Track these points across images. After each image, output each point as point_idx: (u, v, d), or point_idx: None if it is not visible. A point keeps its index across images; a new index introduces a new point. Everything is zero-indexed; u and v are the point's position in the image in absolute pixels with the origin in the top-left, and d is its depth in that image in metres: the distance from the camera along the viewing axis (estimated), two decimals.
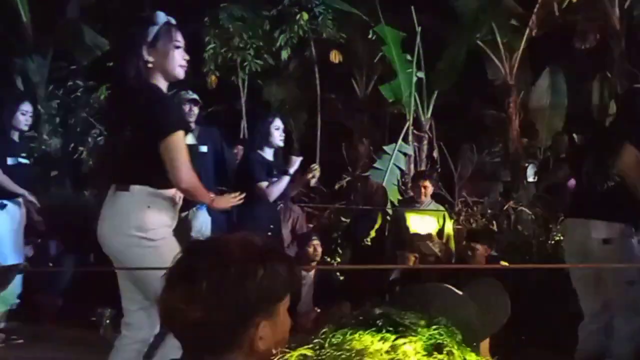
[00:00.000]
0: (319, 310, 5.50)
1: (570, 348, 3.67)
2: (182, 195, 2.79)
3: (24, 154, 4.99)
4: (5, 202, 4.84)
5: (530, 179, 9.01)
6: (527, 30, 8.53)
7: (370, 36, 8.66)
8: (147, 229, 2.68)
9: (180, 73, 2.81)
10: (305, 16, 8.61)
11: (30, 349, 4.54)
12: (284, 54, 8.79)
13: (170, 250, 2.43)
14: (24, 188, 4.92)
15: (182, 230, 4.93)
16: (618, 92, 7.63)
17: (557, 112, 9.20)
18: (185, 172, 2.66)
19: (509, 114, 8.81)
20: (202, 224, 4.95)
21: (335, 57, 8.94)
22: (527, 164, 9.13)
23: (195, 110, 5.15)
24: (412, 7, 8.06)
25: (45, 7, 8.66)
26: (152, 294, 2.54)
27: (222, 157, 5.08)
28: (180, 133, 2.68)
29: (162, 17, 2.80)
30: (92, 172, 8.07)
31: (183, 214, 5.00)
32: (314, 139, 9.61)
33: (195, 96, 5.23)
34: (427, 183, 6.00)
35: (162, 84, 2.80)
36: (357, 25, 9.05)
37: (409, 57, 8.23)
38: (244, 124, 9.15)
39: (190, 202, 4.96)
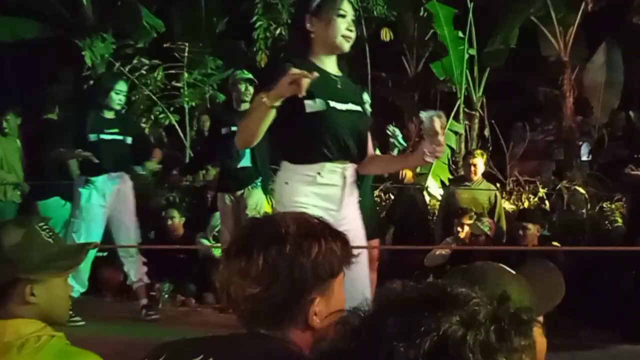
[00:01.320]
0: None
1: (624, 328, 3.60)
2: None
3: (114, 130, 4.90)
4: (91, 178, 4.85)
5: (584, 157, 8.79)
6: (583, 5, 8.25)
7: (421, 13, 8.54)
8: (284, 205, 2.55)
9: (343, 44, 2.59)
10: None
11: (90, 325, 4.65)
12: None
13: None
14: (119, 165, 4.91)
15: (238, 208, 5.08)
16: None
17: (613, 89, 8.90)
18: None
19: (563, 91, 8.57)
20: (257, 201, 5.03)
21: (385, 34, 8.84)
22: (581, 143, 8.90)
23: (251, 89, 5.19)
24: None
25: None
26: None
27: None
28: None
29: None
30: None
31: (239, 193, 5.11)
32: None
33: (250, 75, 5.28)
34: (477, 161, 5.92)
35: (326, 58, 2.63)
36: (408, 2, 8.93)
37: (460, 34, 8.09)
38: None
39: (246, 180, 5.07)
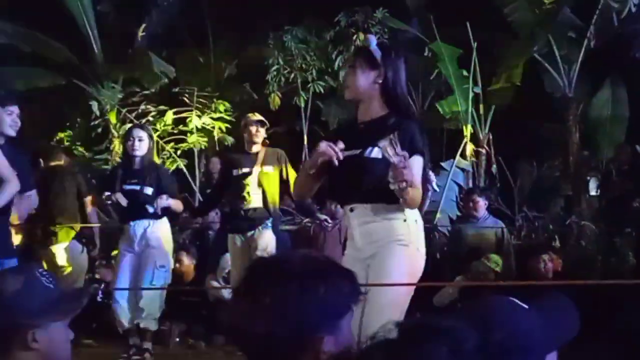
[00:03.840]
0: None
1: None
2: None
3: (134, 180, 4.95)
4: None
5: (593, 192, 8.74)
6: (585, 42, 8.32)
7: (426, 53, 8.63)
8: None
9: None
10: (362, 37, 8.65)
11: None
12: (342, 75, 8.83)
13: None
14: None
15: (248, 249, 5.06)
16: None
17: (619, 123, 8.91)
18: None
19: (569, 127, 8.59)
20: (267, 242, 5.01)
21: None
22: (588, 177, 8.86)
23: (262, 131, 5.22)
24: (468, 23, 8.00)
25: (115, 37, 9.02)
26: None
27: (286, 178, 5.12)
28: None
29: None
30: None
31: (249, 233, 5.09)
32: None
33: (261, 118, 5.32)
34: (477, 198, 5.92)
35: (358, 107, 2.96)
36: (412, 43, 9.04)
37: (465, 73, 8.16)
38: (305, 145, 9.21)
39: (257, 221, 5.06)
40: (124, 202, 4.84)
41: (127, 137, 5.02)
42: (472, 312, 1.10)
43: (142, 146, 4.94)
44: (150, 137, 5.08)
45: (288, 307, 1.23)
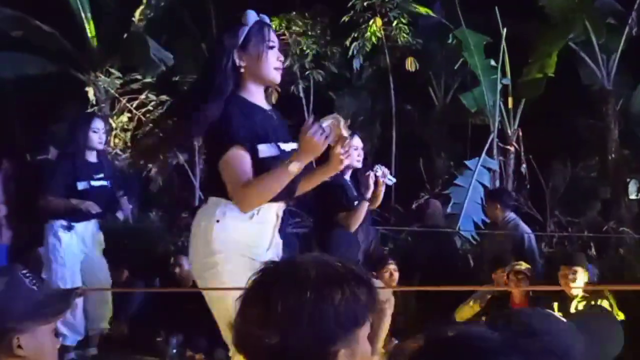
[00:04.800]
0: (396, 342, 5.44)
1: None
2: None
3: (100, 175, 5.03)
4: (73, 224, 4.97)
5: (633, 196, 8.68)
6: (626, 29, 8.26)
7: (449, 41, 8.60)
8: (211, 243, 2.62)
9: (275, 76, 2.70)
10: (379, 22, 8.64)
11: None
12: (356, 63, 8.83)
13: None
14: (103, 209, 5.03)
15: None
16: None
17: None
18: (242, 196, 2.57)
19: (607, 123, 8.52)
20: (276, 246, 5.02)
21: (411, 64, 8.90)
22: (628, 179, 8.80)
23: None
24: (496, 8, 7.96)
25: (110, 22, 9.05)
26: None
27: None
28: (232, 152, 2.56)
29: (252, 16, 2.69)
30: None
31: None
32: (388, 155, 9.59)
33: None
34: (491, 202, 5.98)
35: (256, 91, 2.72)
36: (435, 30, 9.01)
37: (493, 63, 8.12)
38: None
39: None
40: (95, 210, 4.89)
41: (90, 128, 5.00)
42: (509, 323, 1.09)
43: (104, 139, 5.12)
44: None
45: (302, 318, 1.23)
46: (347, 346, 1.28)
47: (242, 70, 2.65)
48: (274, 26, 8.55)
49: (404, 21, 8.72)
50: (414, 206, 8.64)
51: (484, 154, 8.02)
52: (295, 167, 2.51)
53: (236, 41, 2.64)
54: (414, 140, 10.03)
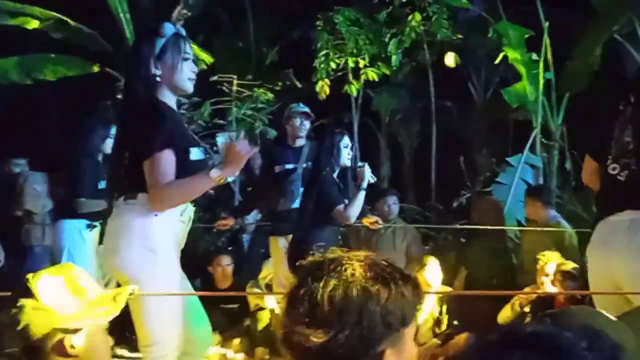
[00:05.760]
0: (439, 342, 5.43)
1: None
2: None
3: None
4: (95, 223, 5.08)
5: None
6: None
7: (490, 35, 8.51)
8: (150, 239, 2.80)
9: (189, 87, 2.92)
10: (418, 17, 8.58)
11: None
12: (395, 60, 8.79)
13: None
14: None
15: None
16: None
17: None
18: (159, 196, 2.74)
19: None
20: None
21: (450, 60, 8.84)
22: None
23: (307, 124, 5.25)
24: (538, 0, 7.86)
25: (149, 22, 9.17)
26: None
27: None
28: (162, 154, 2.74)
29: (169, 28, 2.90)
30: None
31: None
32: (428, 152, 9.54)
33: (306, 109, 5.34)
34: (531, 200, 5.94)
35: (171, 98, 2.92)
36: (475, 24, 8.93)
37: (535, 57, 8.01)
38: (355, 139, 9.20)
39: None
40: None
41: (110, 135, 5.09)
42: (557, 322, 1.09)
43: None
44: None
45: (349, 315, 1.23)
46: (393, 345, 1.28)
47: (158, 78, 2.85)
48: (336, 23, 8.57)
49: (443, 16, 8.65)
50: (454, 204, 8.59)
51: (526, 151, 7.92)
52: (216, 174, 2.77)
53: (153, 50, 2.85)
54: (454, 137, 9.95)
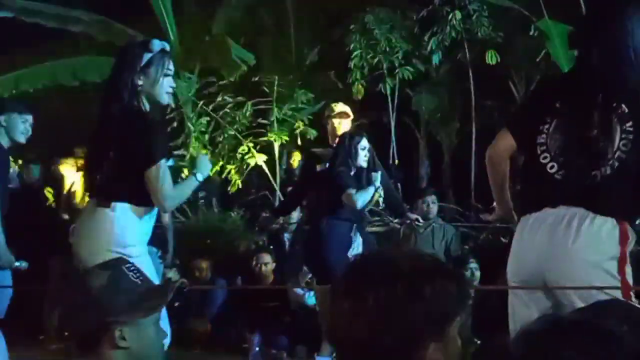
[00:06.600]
0: (478, 342, 5.39)
1: None
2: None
3: None
4: None
5: None
6: None
7: (531, 32, 8.41)
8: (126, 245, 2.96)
9: (166, 99, 3.13)
10: (459, 15, 8.52)
11: None
12: (435, 59, 8.74)
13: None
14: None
15: None
16: None
17: None
18: (170, 199, 3.01)
19: None
20: (356, 246, 5.05)
21: (491, 57, 8.76)
22: None
23: (347, 123, 5.32)
24: None
25: (192, 24, 9.28)
26: None
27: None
28: (163, 161, 2.97)
29: (157, 44, 3.11)
30: None
31: None
32: (468, 152, 9.46)
33: (346, 109, 5.43)
34: None
35: (147, 107, 3.11)
36: (516, 22, 8.82)
37: (577, 54, 7.88)
38: (393, 138, 9.19)
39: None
40: None
41: None
42: (587, 313, 1.09)
43: None
44: None
45: (392, 311, 1.25)
46: (437, 341, 1.29)
47: (139, 89, 3.05)
48: (367, 23, 8.57)
49: (484, 14, 8.58)
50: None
51: None
52: (201, 178, 3.13)
53: (139, 63, 3.05)
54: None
